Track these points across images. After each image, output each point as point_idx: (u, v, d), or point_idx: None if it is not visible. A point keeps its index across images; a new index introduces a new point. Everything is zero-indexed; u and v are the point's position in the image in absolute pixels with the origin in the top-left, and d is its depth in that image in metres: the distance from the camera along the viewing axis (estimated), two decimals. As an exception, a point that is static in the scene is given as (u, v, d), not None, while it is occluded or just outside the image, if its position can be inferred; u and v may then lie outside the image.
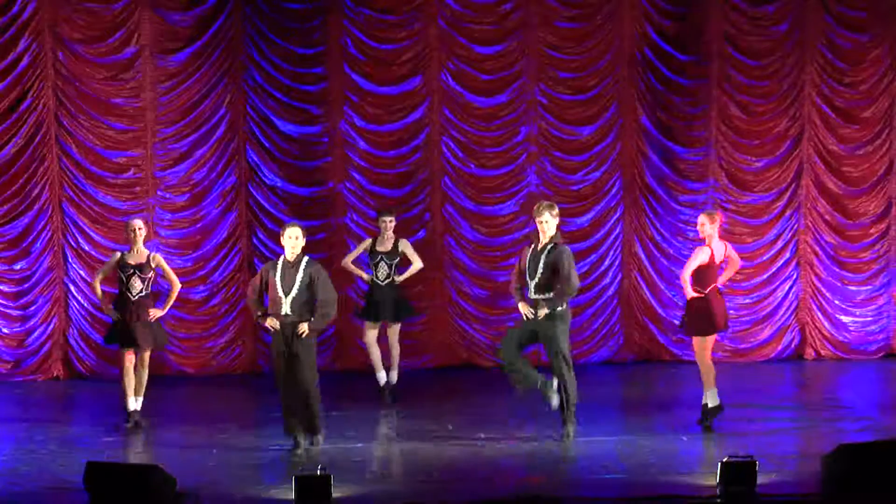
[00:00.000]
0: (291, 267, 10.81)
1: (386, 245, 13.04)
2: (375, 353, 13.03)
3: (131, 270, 11.81)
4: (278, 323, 10.75)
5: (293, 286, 10.75)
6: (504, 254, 15.02)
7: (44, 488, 9.90)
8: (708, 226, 11.69)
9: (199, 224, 14.61)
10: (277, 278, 10.79)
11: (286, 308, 10.73)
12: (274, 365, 10.96)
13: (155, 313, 11.84)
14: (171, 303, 12.08)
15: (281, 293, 10.76)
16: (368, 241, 13.19)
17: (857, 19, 15.25)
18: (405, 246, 13.11)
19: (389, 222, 13.02)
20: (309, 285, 10.76)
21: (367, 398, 13.23)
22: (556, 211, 11.23)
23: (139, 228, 11.91)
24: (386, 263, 12.97)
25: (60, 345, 14.44)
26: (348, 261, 13.28)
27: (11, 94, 14.11)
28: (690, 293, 11.62)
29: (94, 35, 14.25)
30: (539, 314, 10.95)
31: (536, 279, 11.04)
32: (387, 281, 12.98)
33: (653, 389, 14.01)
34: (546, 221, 11.10)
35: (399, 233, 13.37)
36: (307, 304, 10.77)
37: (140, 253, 11.89)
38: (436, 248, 14.85)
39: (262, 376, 14.70)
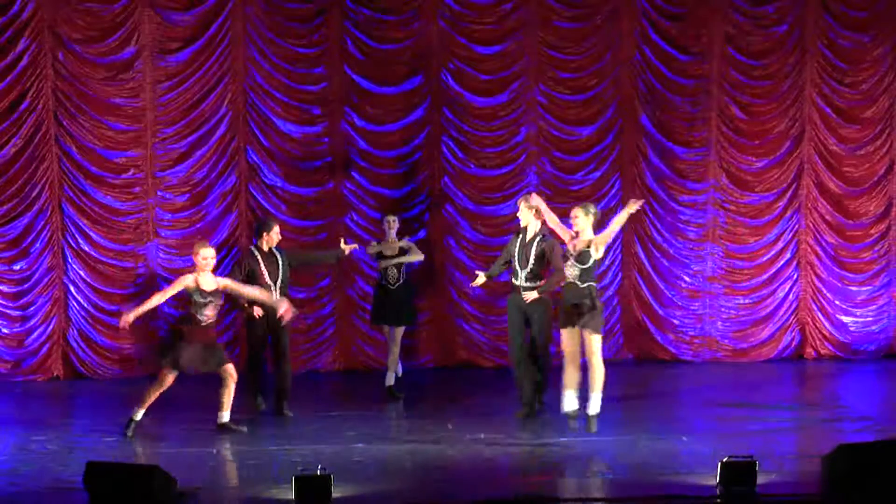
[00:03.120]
0: (271, 256, 12.40)
1: (393, 248, 13.26)
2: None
3: (209, 298, 11.56)
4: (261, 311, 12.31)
5: (279, 275, 12.38)
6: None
7: (44, 488, 9.90)
8: (582, 219, 11.48)
9: (199, 224, 14.61)
10: (263, 268, 12.34)
11: (277, 294, 12.27)
12: (260, 345, 12.64)
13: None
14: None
15: (270, 281, 12.35)
16: (374, 245, 13.43)
17: (857, 19, 15.25)
18: (407, 246, 13.43)
19: (393, 222, 13.30)
20: (288, 272, 12.48)
21: (367, 398, 13.24)
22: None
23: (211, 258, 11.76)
24: (395, 267, 13.24)
25: (60, 345, 14.44)
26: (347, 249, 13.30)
27: (11, 94, 14.09)
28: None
29: (94, 35, 14.24)
30: (528, 297, 11.90)
31: (528, 268, 11.99)
32: (397, 284, 13.25)
33: (653, 389, 14.01)
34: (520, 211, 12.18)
35: (400, 233, 13.42)
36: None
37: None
38: (436, 248, 14.85)
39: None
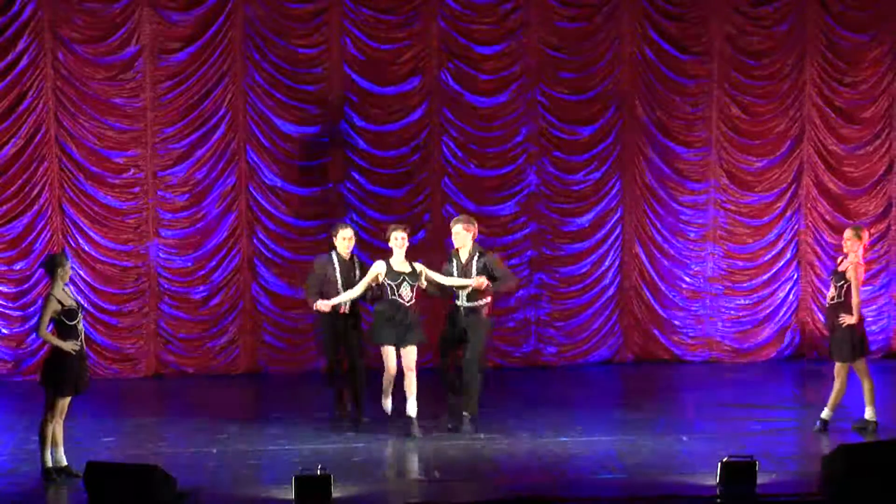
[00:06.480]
0: (348, 261, 11.89)
1: (405, 265, 11.72)
2: (392, 376, 11.84)
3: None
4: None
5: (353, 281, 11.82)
6: (505, 254, 14.83)
7: (44, 488, 9.91)
8: (853, 242, 11.59)
9: (199, 224, 14.61)
10: (338, 274, 11.82)
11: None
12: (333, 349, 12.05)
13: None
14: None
15: (341, 287, 11.79)
16: (382, 266, 11.67)
17: (857, 19, 15.26)
18: (423, 270, 11.89)
19: (402, 240, 11.68)
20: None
21: (367, 398, 13.21)
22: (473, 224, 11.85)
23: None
24: (409, 284, 11.67)
25: (60, 345, 14.42)
26: (359, 291, 11.83)
27: (11, 94, 14.11)
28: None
29: (94, 35, 14.25)
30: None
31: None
32: (410, 303, 11.70)
33: (653, 389, 14.01)
34: (458, 233, 11.73)
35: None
36: None
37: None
38: (436, 248, 14.82)
39: (262, 376, 14.71)
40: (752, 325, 15.49)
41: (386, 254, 11.76)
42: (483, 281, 11.61)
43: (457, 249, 11.74)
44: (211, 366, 14.69)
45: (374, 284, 11.69)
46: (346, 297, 11.74)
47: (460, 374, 11.80)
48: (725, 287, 15.43)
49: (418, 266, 11.75)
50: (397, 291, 11.67)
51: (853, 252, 11.55)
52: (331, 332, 11.90)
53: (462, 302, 11.72)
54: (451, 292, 11.77)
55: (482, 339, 11.82)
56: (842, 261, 11.70)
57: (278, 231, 14.70)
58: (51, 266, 10.19)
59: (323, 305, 11.69)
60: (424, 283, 11.78)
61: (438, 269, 11.75)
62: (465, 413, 11.67)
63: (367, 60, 14.70)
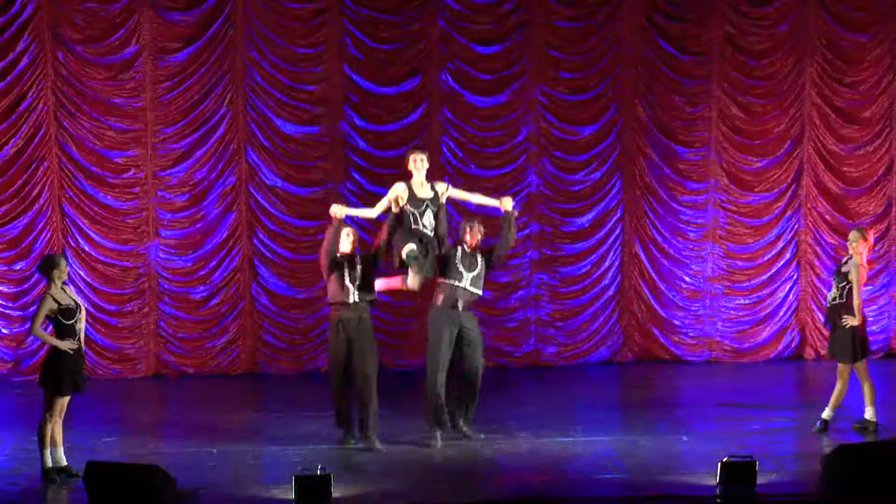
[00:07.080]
0: (350, 254, 11.04)
1: (426, 191, 11.09)
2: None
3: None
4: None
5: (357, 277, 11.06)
6: (506, 255, 14.85)
7: (44, 488, 9.91)
8: (860, 244, 11.50)
9: (199, 224, 14.62)
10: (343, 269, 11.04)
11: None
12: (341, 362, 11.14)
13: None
14: None
15: (348, 282, 11.04)
16: (402, 187, 11.04)
17: (857, 19, 15.27)
18: (446, 188, 11.28)
19: (420, 161, 11.04)
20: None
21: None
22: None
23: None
24: (432, 212, 11.06)
25: (60, 345, 14.42)
26: (378, 211, 11.30)
27: (11, 94, 14.12)
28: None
29: (94, 35, 14.25)
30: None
31: (475, 272, 11.21)
32: (433, 233, 11.09)
33: (653, 389, 14.01)
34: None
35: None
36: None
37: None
38: (436, 248, 14.84)
39: (262, 376, 14.71)
40: (751, 325, 15.49)
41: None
42: (510, 200, 11.38)
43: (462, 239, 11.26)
44: (211, 366, 14.70)
45: (392, 209, 10.90)
46: (363, 213, 11.22)
47: (469, 384, 11.30)
48: (725, 287, 15.43)
49: (440, 186, 11.10)
50: (420, 220, 11.02)
51: (857, 254, 11.53)
52: (337, 338, 11.07)
53: (465, 284, 11.11)
54: (444, 272, 11.13)
55: (481, 342, 11.40)
56: (846, 261, 11.68)
57: (278, 231, 14.71)
58: (47, 267, 10.20)
59: (337, 210, 10.85)
60: (444, 198, 11.13)
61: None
62: (465, 431, 11.24)
63: (367, 60, 14.70)
